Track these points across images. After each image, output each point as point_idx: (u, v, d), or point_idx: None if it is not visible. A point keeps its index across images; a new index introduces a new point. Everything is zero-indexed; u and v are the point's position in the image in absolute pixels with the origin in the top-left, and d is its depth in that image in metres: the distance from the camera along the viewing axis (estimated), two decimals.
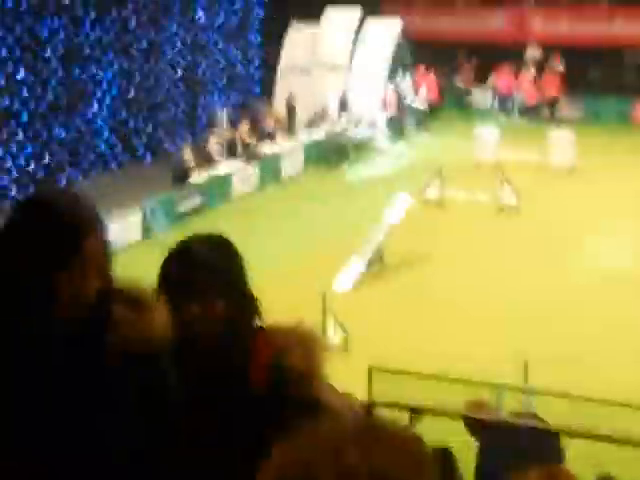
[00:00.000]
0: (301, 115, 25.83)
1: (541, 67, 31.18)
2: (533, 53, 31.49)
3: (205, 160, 20.98)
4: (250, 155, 22.26)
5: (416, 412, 5.80)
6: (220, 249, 2.41)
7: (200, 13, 25.74)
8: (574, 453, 6.07)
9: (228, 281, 2.35)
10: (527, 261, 16.33)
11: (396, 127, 27.16)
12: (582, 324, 13.40)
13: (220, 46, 26.67)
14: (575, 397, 7.50)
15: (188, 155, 20.40)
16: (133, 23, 23.10)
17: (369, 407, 5.74)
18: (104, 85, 22.18)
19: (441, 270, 15.97)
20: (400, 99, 27.35)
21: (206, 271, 2.32)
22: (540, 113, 30.22)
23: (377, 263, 15.98)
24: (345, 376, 9.83)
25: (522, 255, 16.65)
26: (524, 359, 9.68)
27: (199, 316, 2.31)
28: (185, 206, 19.14)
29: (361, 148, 25.17)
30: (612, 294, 14.79)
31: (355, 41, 27.27)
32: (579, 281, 15.38)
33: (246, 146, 22.47)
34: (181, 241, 2.45)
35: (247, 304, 2.40)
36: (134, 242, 16.98)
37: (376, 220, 16.59)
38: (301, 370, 2.24)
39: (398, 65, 27.88)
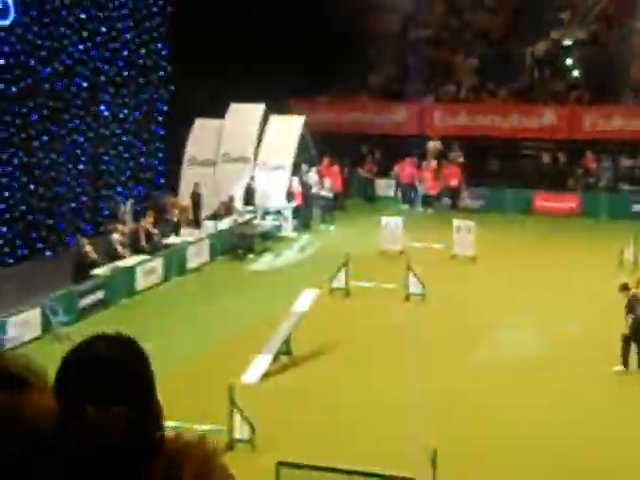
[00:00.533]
0: (206, 206, 25.75)
1: (442, 158, 31.97)
2: (434, 145, 32.30)
3: (108, 253, 20.59)
4: (154, 247, 21.97)
5: None
6: (124, 349, 2.24)
7: (103, 107, 25.66)
8: None
9: (131, 385, 2.19)
10: (433, 349, 16.33)
11: (302, 218, 27.29)
12: (486, 412, 13.39)
13: (124, 139, 26.55)
14: None
15: (89, 248, 19.98)
16: (35, 117, 22.86)
17: None
18: (2, 180, 21.78)
19: (348, 360, 15.83)
20: (306, 190, 27.56)
21: (107, 372, 2.15)
22: (442, 203, 30.84)
23: (285, 354, 15.76)
24: (253, 473, 9.56)
25: (428, 343, 16.65)
26: (432, 452, 9.54)
27: (95, 420, 2.12)
28: (87, 301, 18.63)
29: (267, 238, 25.16)
30: (513, 381, 14.85)
31: (260, 135, 27.55)
32: (481, 369, 15.41)
33: (150, 238, 22.19)
34: (83, 340, 2.26)
35: (151, 412, 2.22)
36: (34, 339, 16.41)
37: (283, 311, 16.45)
38: None
39: (303, 157, 28.19)
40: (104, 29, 25.54)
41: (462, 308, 18.98)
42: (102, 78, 25.55)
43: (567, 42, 33.76)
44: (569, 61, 33.94)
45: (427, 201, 30.73)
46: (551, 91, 33.34)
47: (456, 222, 23.65)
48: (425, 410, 13.17)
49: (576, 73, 34.00)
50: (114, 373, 2.15)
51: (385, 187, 32.43)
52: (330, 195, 28.21)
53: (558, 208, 29.98)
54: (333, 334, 16.99)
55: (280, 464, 7.05)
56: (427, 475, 9.25)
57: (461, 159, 32.20)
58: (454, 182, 31.08)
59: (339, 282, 20.00)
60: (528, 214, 29.66)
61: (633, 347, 14.92)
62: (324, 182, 28.27)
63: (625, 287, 15.25)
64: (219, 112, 27.27)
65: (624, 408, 13.90)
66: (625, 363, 14.92)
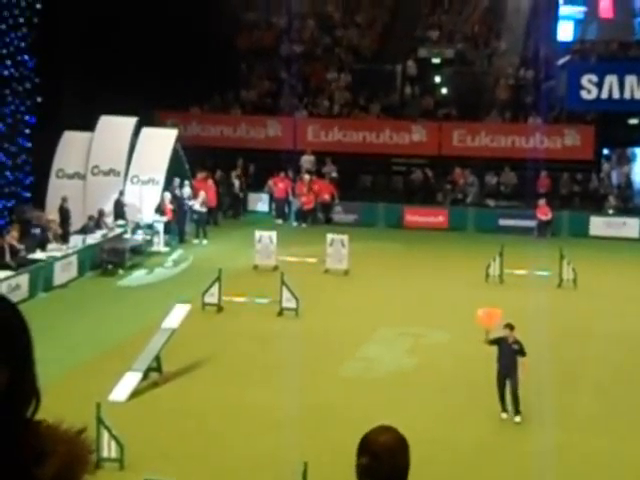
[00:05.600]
0: (75, 220, 25.11)
1: (315, 173, 32.19)
2: (308, 160, 32.51)
3: None
4: (19, 262, 21.25)
5: None
6: (8, 310, 2.07)
7: None
8: None
9: (14, 343, 2.03)
10: (305, 364, 16.30)
11: (175, 233, 26.96)
12: (357, 425, 13.47)
13: None
14: None
15: None
16: None
17: None
18: None
19: (221, 375, 15.67)
20: (179, 204, 27.25)
21: None
22: (316, 217, 31.05)
23: (156, 371, 15.46)
24: None
25: (301, 358, 16.61)
26: (303, 464, 9.51)
27: None
28: None
29: (138, 253, 24.71)
30: (382, 394, 15.00)
31: (131, 148, 27.10)
32: (352, 383, 15.52)
33: (15, 253, 21.45)
34: None
35: (31, 381, 2.07)
36: None
37: (154, 327, 16.15)
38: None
39: (176, 172, 27.88)
40: None
41: (335, 322, 19.09)
42: None
43: (435, 60, 34.61)
44: (438, 79, 34.80)
45: (301, 215, 30.87)
46: (421, 108, 34.08)
47: (329, 236, 23.82)
48: (297, 424, 13.13)
49: (444, 90, 34.89)
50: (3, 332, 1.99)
51: (258, 201, 32.44)
52: (204, 210, 27.98)
53: (427, 222, 30.62)
54: (205, 350, 16.79)
55: None
56: None
57: (334, 174, 32.52)
58: (327, 197, 31.35)
59: (212, 297, 19.78)
60: (399, 228, 30.18)
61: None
62: (199, 196, 28.02)
63: (511, 327, 13.96)
64: (89, 125, 26.69)
65: (488, 415, 14.20)
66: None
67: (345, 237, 23.60)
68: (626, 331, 18.36)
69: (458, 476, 12.12)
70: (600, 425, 13.86)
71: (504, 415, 13.91)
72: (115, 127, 27.12)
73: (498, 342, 13.91)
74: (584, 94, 30.85)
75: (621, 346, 17.54)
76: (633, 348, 17.43)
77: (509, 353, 13.77)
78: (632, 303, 20.62)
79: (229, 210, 31.68)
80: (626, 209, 31.03)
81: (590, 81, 30.76)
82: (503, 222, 30.11)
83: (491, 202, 32.16)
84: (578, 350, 17.17)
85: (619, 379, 15.79)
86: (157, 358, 15.44)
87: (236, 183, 31.84)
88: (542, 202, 29.59)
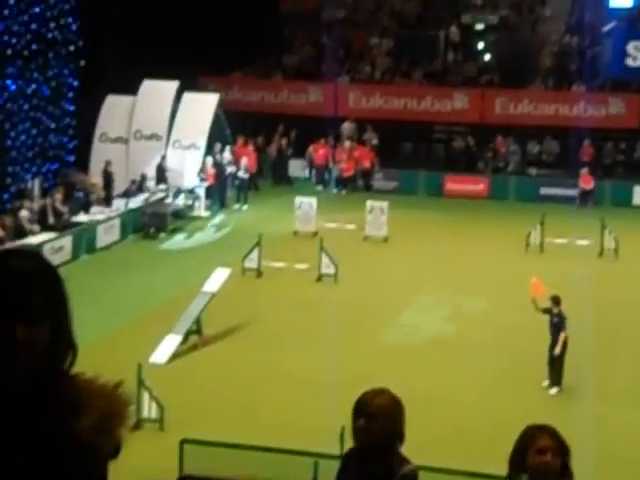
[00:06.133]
0: (118, 184, 25.36)
1: (356, 140, 32.10)
2: (349, 127, 32.41)
3: (15, 231, 20.11)
4: (63, 224, 21.55)
5: None
6: (37, 261, 2.08)
7: (9, 81, 24.96)
8: None
9: (57, 301, 2.07)
10: (344, 330, 16.40)
11: (216, 197, 27.12)
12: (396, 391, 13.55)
13: (32, 115, 25.89)
14: None
15: None
16: None
17: None
18: None
19: (260, 340, 15.83)
20: (220, 170, 27.37)
21: (31, 286, 2.00)
22: (356, 184, 31.01)
23: (196, 334, 15.67)
24: (160, 451, 9.46)
25: (340, 323, 16.72)
26: (341, 427, 9.61)
27: (26, 340, 2.01)
28: None
29: (180, 218, 24.92)
30: (422, 360, 15.07)
31: (173, 113, 27.23)
32: (391, 349, 15.60)
33: (59, 215, 21.75)
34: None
35: (69, 334, 2.12)
36: None
37: (194, 291, 16.33)
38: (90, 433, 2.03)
39: (218, 137, 27.98)
40: (12, 1, 24.83)
41: (374, 289, 19.14)
42: (9, 51, 24.85)
43: (479, 26, 34.20)
44: (481, 45, 34.41)
45: (341, 182, 30.86)
46: (463, 74, 33.77)
47: (369, 203, 23.81)
48: (336, 390, 13.23)
49: (487, 57, 34.51)
50: (38, 286, 2.02)
51: (299, 168, 32.44)
52: (246, 175, 28.09)
53: (468, 190, 30.45)
54: (244, 314, 16.95)
55: (184, 442, 6.97)
56: (336, 450, 9.32)
57: (375, 141, 32.39)
58: (367, 164, 31.27)
59: (252, 262, 19.93)
60: (439, 196, 30.06)
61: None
62: (240, 162, 28.12)
63: (556, 300, 13.77)
64: (132, 89, 26.84)
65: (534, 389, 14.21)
66: (560, 382, 13.80)
67: (385, 204, 23.59)
68: None
69: (497, 443, 12.15)
70: (637, 397, 13.82)
71: (546, 383, 13.92)
72: (157, 91, 27.25)
73: (546, 312, 13.87)
74: (629, 61, 30.34)
75: None
76: None
77: (551, 326, 13.78)
78: None
79: (275, 177, 31.64)
80: None
81: (636, 48, 30.23)
82: (544, 191, 29.86)
83: (533, 171, 31.87)
84: (618, 321, 17.08)
85: None
86: (197, 321, 15.63)
87: (274, 148, 31.87)
88: (585, 171, 29.27)
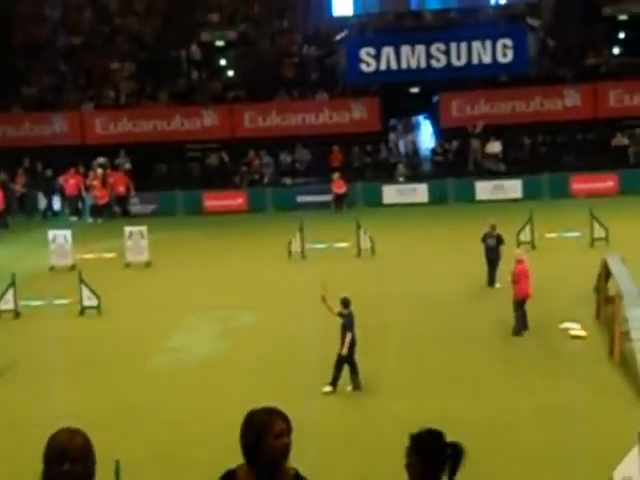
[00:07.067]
0: None
1: (108, 166, 31.46)
2: (100, 156, 31.75)
3: None
4: None
5: None
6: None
7: None
8: None
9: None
10: (112, 361, 15.90)
11: None
12: (167, 416, 13.28)
13: None
14: None
15: None
16: None
17: None
18: None
19: (23, 383, 14.99)
20: None
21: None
22: (112, 211, 30.34)
23: None
24: None
25: (107, 355, 16.22)
26: (115, 463, 9.25)
27: None
28: None
29: None
30: (192, 382, 14.81)
31: None
32: (160, 375, 15.25)
33: None
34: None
35: None
36: None
37: None
38: None
39: None
40: None
41: (140, 316, 18.70)
42: None
43: (219, 43, 34.48)
44: (223, 61, 34.71)
45: (96, 211, 30.07)
46: (210, 92, 33.93)
47: (127, 229, 23.31)
48: (108, 424, 12.78)
49: (231, 73, 34.87)
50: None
51: (50, 201, 31.32)
52: None
53: (227, 206, 30.62)
54: (4, 358, 16.00)
55: None
56: None
57: (128, 165, 31.88)
58: (122, 189, 30.70)
59: (7, 304, 18.91)
60: (199, 214, 29.99)
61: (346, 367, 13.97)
62: None
63: (346, 302, 13.92)
64: None
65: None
66: (335, 383, 13.88)
67: (144, 228, 23.18)
68: (422, 294, 19.05)
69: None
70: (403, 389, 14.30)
71: (328, 388, 13.91)
72: None
73: (340, 316, 13.92)
74: (364, 67, 31.67)
75: (419, 308, 18.18)
76: (429, 309, 18.10)
77: (342, 328, 13.88)
78: (429, 265, 21.44)
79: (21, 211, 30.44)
80: (415, 176, 32.21)
81: (368, 54, 31.59)
82: (301, 199, 30.54)
83: (287, 180, 32.54)
84: (381, 315, 17.64)
85: (420, 341, 16.35)
86: None
87: (18, 184, 30.67)
88: (336, 176, 30.23)
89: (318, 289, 14.32)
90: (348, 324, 13.91)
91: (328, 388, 13.94)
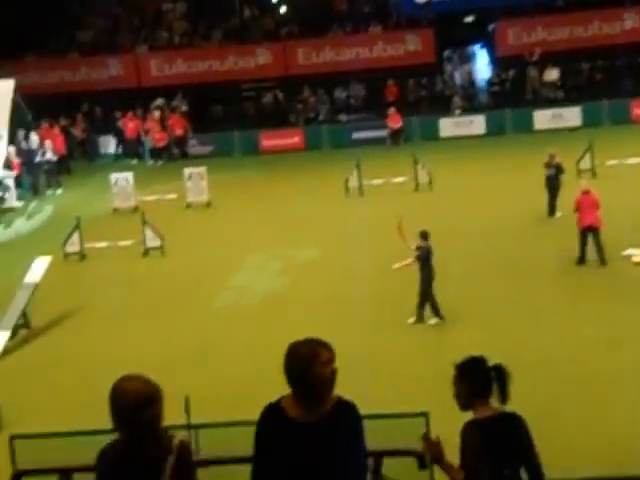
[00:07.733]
0: None
1: (166, 108, 31.62)
2: (157, 98, 31.90)
3: None
4: None
5: (65, 473, 5.39)
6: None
7: None
8: None
9: None
10: (178, 300, 16.21)
11: (27, 185, 26.11)
12: (237, 352, 13.55)
13: None
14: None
15: None
16: None
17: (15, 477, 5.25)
18: None
19: (93, 324, 15.39)
20: (27, 157, 26.32)
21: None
22: (171, 153, 30.59)
23: (23, 327, 15.07)
24: None
25: (173, 294, 16.54)
26: (185, 398, 9.51)
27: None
28: None
29: None
30: (257, 321, 15.03)
31: None
32: (227, 312, 15.51)
33: None
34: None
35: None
36: None
37: (16, 284, 15.68)
38: None
39: (19, 123, 26.83)
40: None
41: (203, 256, 18.95)
42: None
43: None
44: None
45: (156, 153, 30.35)
46: (262, 29, 33.74)
47: (187, 170, 23.53)
48: (175, 361, 13.10)
49: (283, 9, 34.60)
50: None
51: (111, 144, 31.67)
52: (54, 158, 27.12)
53: (283, 145, 30.62)
54: (73, 300, 16.43)
55: (13, 437, 6.70)
56: (182, 420, 9.23)
57: (184, 107, 32.01)
58: (180, 131, 30.89)
59: (73, 246, 19.34)
60: (256, 154, 30.09)
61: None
62: (46, 146, 27.12)
63: (425, 235, 13.89)
64: None
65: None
66: (439, 314, 13.92)
67: (203, 169, 23.38)
68: (483, 227, 18.98)
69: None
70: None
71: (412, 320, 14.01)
72: None
73: (418, 249, 13.89)
74: None
75: (480, 240, 18.14)
76: (490, 241, 18.05)
77: (418, 260, 13.88)
78: (488, 197, 21.30)
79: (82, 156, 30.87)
80: (471, 107, 31.80)
81: None
82: (356, 135, 30.42)
83: (343, 117, 32.38)
84: (441, 248, 17.61)
85: (483, 272, 16.35)
86: (24, 314, 15.04)
87: (78, 129, 30.99)
88: (392, 111, 29.99)
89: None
90: (424, 257, 13.85)
91: (434, 320, 13.88)
